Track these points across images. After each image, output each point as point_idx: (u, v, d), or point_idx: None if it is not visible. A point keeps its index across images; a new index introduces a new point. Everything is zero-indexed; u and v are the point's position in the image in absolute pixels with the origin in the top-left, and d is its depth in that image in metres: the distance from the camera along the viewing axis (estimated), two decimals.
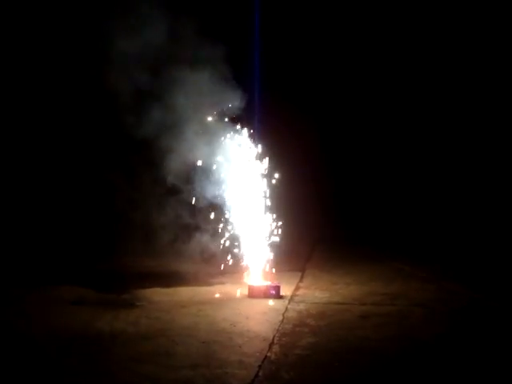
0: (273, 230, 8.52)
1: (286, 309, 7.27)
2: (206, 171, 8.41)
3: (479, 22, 14.27)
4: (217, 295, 8.04)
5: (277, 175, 8.55)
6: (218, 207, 8.44)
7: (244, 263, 8.49)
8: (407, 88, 15.52)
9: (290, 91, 14.88)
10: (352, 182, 15.95)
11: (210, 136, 8.40)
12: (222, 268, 8.71)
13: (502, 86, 14.36)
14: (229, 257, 8.56)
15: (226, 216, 8.42)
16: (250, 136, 8.52)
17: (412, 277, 9.34)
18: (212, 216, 8.52)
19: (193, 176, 8.46)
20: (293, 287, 8.49)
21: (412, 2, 14.78)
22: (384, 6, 14.94)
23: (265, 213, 8.46)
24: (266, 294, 7.89)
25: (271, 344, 5.84)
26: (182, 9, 8.38)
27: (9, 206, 10.91)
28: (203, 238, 8.64)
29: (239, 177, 8.41)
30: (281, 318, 6.84)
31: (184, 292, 8.25)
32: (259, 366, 5.19)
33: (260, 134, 8.75)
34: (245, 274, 8.52)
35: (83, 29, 8.26)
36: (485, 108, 14.76)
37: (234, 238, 8.47)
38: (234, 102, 8.41)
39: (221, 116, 8.50)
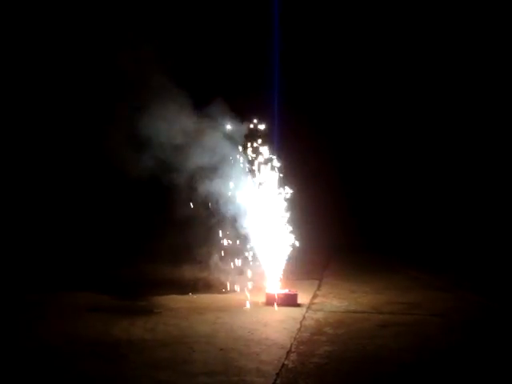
0: (290, 239, 8.50)
1: (304, 317, 7.25)
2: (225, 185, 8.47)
3: (485, 22, 14.25)
4: (234, 303, 8.03)
5: (293, 186, 8.56)
6: (236, 217, 8.44)
7: (262, 271, 8.48)
8: (420, 99, 15.52)
9: (303, 103, 14.95)
10: (369, 191, 15.89)
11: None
12: (239, 276, 8.70)
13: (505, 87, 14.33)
14: (246, 264, 8.56)
15: (245, 225, 8.42)
16: (267, 146, 8.55)
17: (429, 286, 9.29)
18: (230, 224, 8.52)
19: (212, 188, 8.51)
20: (310, 295, 8.47)
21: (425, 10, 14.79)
22: (393, 17, 14.98)
23: (282, 222, 8.46)
24: (283, 302, 7.87)
25: (289, 352, 5.82)
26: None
27: (29, 211, 10.98)
28: (221, 246, 8.64)
29: (257, 187, 8.43)
30: (298, 326, 6.82)
31: (202, 299, 8.26)
32: (277, 374, 5.18)
33: (277, 144, 8.80)
34: (262, 281, 8.50)
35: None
36: (495, 110, 14.70)
37: (252, 247, 8.46)
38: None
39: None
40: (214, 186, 8.41)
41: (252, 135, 8.54)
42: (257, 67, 12.88)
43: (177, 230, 8.99)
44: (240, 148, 8.53)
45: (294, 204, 8.57)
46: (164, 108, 8.37)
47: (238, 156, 8.51)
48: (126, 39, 8.37)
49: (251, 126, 8.55)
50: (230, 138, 8.53)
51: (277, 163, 8.54)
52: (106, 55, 8.31)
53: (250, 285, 8.64)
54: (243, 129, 8.54)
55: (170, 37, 8.81)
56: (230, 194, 8.42)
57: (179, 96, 8.47)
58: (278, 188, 8.52)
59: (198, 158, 8.41)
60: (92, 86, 8.51)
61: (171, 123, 8.39)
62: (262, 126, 8.57)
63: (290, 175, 8.69)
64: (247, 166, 8.51)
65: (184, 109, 8.49)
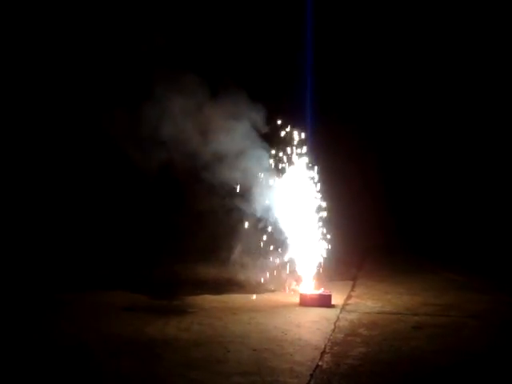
0: (325, 239, 8.48)
1: (338, 318, 7.21)
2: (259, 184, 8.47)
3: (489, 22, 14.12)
4: (268, 303, 8.03)
5: (328, 185, 8.54)
6: (269, 216, 8.44)
7: (296, 272, 8.47)
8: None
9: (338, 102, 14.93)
10: (407, 191, 15.78)
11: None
12: (273, 276, 8.70)
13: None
14: (281, 265, 8.55)
15: (279, 225, 8.41)
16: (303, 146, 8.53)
17: (465, 287, 9.17)
18: (264, 225, 8.52)
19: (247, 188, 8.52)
20: (344, 296, 8.43)
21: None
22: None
23: (317, 222, 8.44)
24: (317, 303, 7.85)
25: (323, 353, 5.79)
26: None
27: (64, 210, 11.11)
28: (256, 247, 8.65)
29: (291, 186, 8.42)
30: (332, 326, 6.79)
31: (235, 299, 8.28)
32: (311, 375, 5.15)
33: (313, 144, 8.77)
34: (296, 282, 8.49)
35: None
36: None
37: (286, 247, 8.45)
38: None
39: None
40: (244, 181, 8.43)
41: (285, 140, 8.53)
42: (291, 69, 12.89)
43: (205, 228, 9.04)
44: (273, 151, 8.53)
45: (329, 204, 8.53)
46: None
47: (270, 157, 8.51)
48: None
49: (284, 131, 8.54)
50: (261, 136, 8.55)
51: (312, 166, 8.52)
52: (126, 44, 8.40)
53: (284, 285, 8.63)
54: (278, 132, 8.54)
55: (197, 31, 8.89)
56: (261, 191, 8.42)
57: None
58: (314, 187, 8.49)
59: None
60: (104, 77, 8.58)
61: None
62: (296, 132, 8.55)
63: (326, 176, 8.66)
64: (281, 165, 8.50)
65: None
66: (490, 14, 14.28)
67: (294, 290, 8.44)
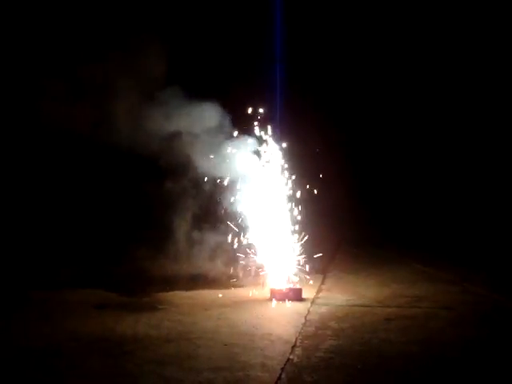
0: (295, 232, 8.47)
1: (308, 311, 7.23)
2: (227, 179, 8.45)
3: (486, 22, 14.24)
4: (239, 298, 8.02)
5: (298, 176, 8.52)
6: (239, 209, 8.41)
7: (266, 266, 8.45)
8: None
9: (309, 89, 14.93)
10: (378, 182, 15.87)
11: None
12: (243, 271, 8.68)
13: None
14: (250, 259, 8.53)
15: (248, 218, 8.39)
16: (273, 135, 8.47)
17: (436, 279, 9.24)
18: (233, 218, 8.49)
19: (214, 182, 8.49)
20: (315, 290, 8.44)
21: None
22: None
23: (287, 215, 8.42)
24: (287, 297, 7.86)
25: (293, 347, 5.81)
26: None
27: (30, 208, 10.96)
28: (224, 241, 8.62)
29: (260, 177, 8.39)
30: (303, 320, 6.81)
31: (205, 295, 8.25)
32: (282, 369, 5.17)
33: (282, 133, 8.70)
34: (266, 276, 8.48)
35: None
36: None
37: (255, 240, 8.43)
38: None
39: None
40: (211, 171, 8.41)
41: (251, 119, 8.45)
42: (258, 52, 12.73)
43: (175, 223, 9.01)
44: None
45: (300, 196, 8.51)
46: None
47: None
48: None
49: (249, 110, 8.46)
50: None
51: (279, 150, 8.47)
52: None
53: (254, 280, 8.62)
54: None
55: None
56: (229, 181, 8.39)
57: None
58: (283, 179, 8.47)
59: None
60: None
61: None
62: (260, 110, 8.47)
63: (296, 165, 8.63)
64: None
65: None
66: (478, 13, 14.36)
67: (264, 285, 8.42)
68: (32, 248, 10.17)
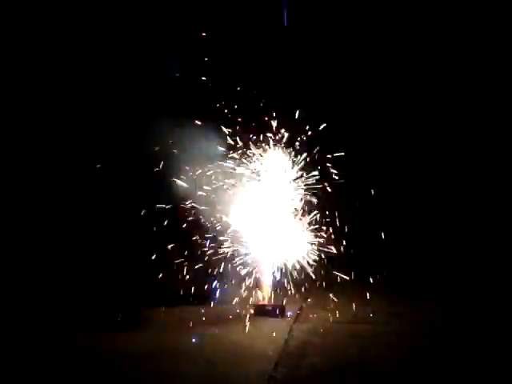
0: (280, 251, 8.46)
1: (291, 328, 7.24)
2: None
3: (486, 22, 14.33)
4: (222, 315, 8.00)
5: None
6: (225, 226, 8.40)
7: (249, 283, 8.44)
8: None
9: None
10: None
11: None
12: (228, 288, 8.66)
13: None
14: (234, 277, 8.52)
15: (233, 235, 8.38)
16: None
17: (416, 297, 9.24)
18: (218, 234, 8.48)
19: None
20: (298, 306, 8.44)
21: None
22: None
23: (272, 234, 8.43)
24: (271, 314, 7.86)
25: (277, 364, 5.81)
26: None
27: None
28: (209, 257, 8.60)
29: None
30: (286, 337, 6.82)
31: (189, 311, 8.20)
32: None
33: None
34: (251, 294, 8.46)
35: None
36: None
37: (240, 258, 8.42)
38: None
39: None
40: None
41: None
42: None
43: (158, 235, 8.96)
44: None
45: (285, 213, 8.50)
46: None
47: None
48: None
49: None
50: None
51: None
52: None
53: (238, 297, 8.59)
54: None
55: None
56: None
57: None
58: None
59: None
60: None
61: None
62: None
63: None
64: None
65: None
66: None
67: (248, 302, 8.41)
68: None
